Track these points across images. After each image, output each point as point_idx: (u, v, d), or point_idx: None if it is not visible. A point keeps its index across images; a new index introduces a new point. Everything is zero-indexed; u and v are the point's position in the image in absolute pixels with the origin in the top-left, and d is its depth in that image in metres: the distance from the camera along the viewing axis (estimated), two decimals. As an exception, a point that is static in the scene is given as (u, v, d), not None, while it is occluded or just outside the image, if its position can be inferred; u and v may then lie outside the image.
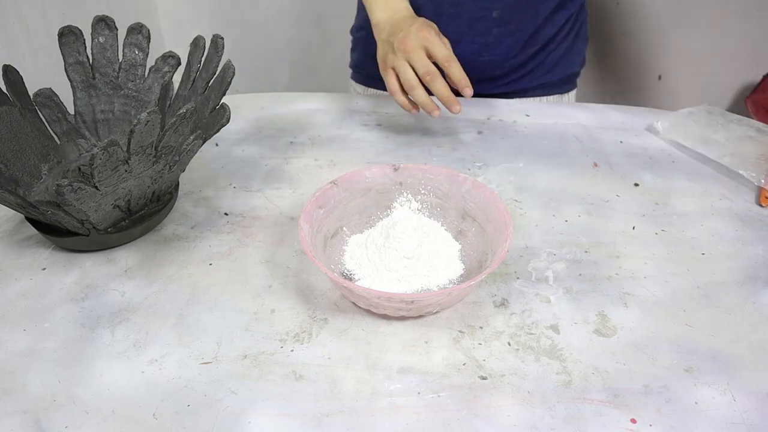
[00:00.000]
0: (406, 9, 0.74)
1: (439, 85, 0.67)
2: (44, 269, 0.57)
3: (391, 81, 0.70)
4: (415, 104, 0.71)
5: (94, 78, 0.65)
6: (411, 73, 0.67)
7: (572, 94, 0.97)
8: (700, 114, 0.78)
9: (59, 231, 0.57)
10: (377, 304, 0.48)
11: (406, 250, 0.53)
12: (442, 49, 0.66)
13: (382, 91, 0.91)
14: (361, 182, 0.59)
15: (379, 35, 0.72)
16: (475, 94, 0.89)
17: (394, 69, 0.69)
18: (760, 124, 0.76)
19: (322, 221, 0.55)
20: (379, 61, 0.72)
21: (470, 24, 0.83)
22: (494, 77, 0.88)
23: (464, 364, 0.47)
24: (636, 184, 0.69)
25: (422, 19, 0.69)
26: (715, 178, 0.70)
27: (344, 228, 0.58)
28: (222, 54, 0.61)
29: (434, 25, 0.69)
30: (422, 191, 0.60)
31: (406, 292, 0.52)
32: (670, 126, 0.77)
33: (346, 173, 0.58)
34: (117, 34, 0.66)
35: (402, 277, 0.52)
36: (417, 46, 0.66)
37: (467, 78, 0.68)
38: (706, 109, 0.79)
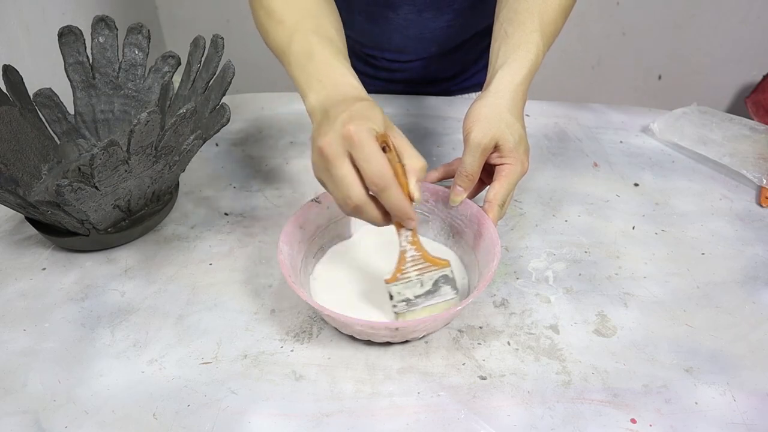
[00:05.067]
0: (347, 85, 0.50)
1: (387, 197, 0.44)
2: (44, 269, 0.57)
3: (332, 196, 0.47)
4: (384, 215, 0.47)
5: (94, 78, 0.65)
6: (340, 195, 0.45)
7: None
8: (693, 114, 0.78)
9: (59, 231, 0.57)
10: (360, 332, 0.47)
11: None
12: (372, 163, 0.43)
13: (380, 93, 0.91)
14: None
15: (312, 126, 0.50)
16: (451, 92, 0.91)
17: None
18: (753, 123, 0.76)
19: (301, 241, 0.54)
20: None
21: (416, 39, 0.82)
22: (453, 75, 0.90)
23: (464, 364, 0.47)
24: (636, 184, 0.69)
25: (361, 104, 0.46)
26: (715, 178, 0.70)
27: (326, 246, 0.57)
28: (222, 54, 0.61)
29: (374, 115, 0.45)
30: None
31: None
32: (665, 127, 0.77)
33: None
34: (117, 34, 0.66)
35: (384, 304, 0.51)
36: (338, 151, 0.44)
37: (407, 206, 0.45)
38: (698, 109, 0.79)
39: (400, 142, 0.46)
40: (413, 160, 0.46)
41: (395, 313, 0.49)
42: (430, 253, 0.49)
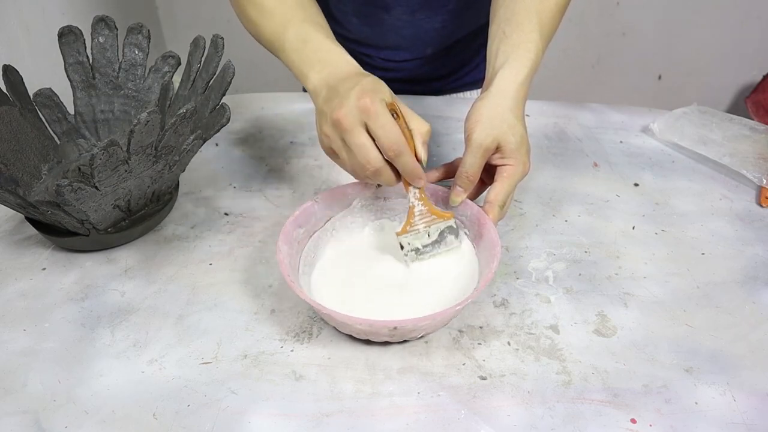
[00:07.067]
0: (347, 63, 0.55)
1: (402, 162, 0.49)
2: (44, 269, 0.57)
3: (341, 165, 0.53)
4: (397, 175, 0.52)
5: (94, 78, 0.65)
6: (356, 161, 0.50)
7: None
8: (693, 114, 0.78)
9: (59, 231, 0.57)
10: (359, 331, 0.47)
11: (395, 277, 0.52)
12: (388, 132, 0.47)
13: None
14: (342, 199, 0.57)
15: (316, 102, 0.54)
16: (446, 90, 0.92)
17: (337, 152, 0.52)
18: (753, 123, 0.76)
19: (301, 241, 0.54)
20: (318, 137, 0.53)
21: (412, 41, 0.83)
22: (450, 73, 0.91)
23: (464, 364, 0.47)
24: (636, 184, 0.69)
25: (368, 79, 0.51)
26: (715, 178, 0.70)
27: (326, 246, 0.57)
28: (222, 54, 0.61)
29: (382, 88, 0.50)
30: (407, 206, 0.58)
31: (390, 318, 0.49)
32: (665, 127, 0.77)
33: (327, 190, 0.57)
34: (117, 34, 0.66)
35: (389, 303, 0.51)
36: (355, 122, 0.48)
37: (418, 167, 0.50)
38: (698, 109, 0.79)
39: (405, 110, 0.51)
40: (419, 124, 0.51)
41: (406, 261, 0.54)
42: (435, 207, 0.54)
